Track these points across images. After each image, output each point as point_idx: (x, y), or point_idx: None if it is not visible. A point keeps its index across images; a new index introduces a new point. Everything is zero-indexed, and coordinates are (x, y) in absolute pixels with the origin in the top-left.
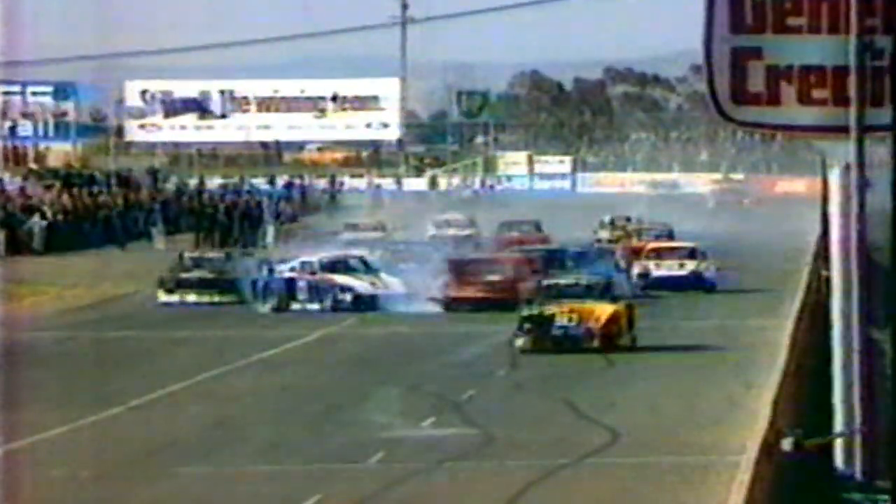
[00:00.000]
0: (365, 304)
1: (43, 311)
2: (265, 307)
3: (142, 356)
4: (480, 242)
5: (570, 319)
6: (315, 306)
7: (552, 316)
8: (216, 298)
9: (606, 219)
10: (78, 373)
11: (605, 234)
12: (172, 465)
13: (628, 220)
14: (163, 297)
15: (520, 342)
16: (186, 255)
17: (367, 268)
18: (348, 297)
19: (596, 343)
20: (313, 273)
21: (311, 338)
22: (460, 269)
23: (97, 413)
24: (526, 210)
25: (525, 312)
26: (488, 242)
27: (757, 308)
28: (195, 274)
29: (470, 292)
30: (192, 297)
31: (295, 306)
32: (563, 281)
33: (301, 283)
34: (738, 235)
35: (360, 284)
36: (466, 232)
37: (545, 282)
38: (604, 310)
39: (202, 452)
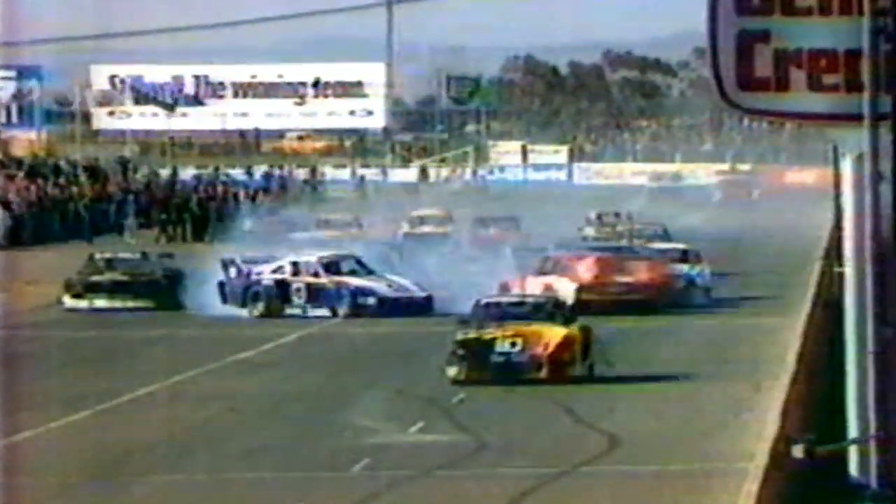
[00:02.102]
0: (391, 308)
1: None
2: (253, 312)
3: (112, 356)
4: (460, 241)
5: (512, 345)
6: (320, 311)
7: (492, 341)
8: (130, 303)
9: (593, 214)
10: (44, 374)
11: (591, 232)
12: (144, 472)
13: (617, 215)
14: (69, 301)
15: (452, 371)
16: (97, 255)
17: (364, 268)
18: (370, 300)
19: (544, 373)
20: (315, 275)
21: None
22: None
23: (65, 416)
24: (518, 203)
25: (459, 336)
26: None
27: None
28: (107, 276)
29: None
30: (102, 302)
31: (291, 311)
32: (505, 298)
33: (297, 286)
34: (745, 232)
35: (379, 287)
36: (444, 229)
37: (484, 300)
38: (554, 333)
39: (175, 458)
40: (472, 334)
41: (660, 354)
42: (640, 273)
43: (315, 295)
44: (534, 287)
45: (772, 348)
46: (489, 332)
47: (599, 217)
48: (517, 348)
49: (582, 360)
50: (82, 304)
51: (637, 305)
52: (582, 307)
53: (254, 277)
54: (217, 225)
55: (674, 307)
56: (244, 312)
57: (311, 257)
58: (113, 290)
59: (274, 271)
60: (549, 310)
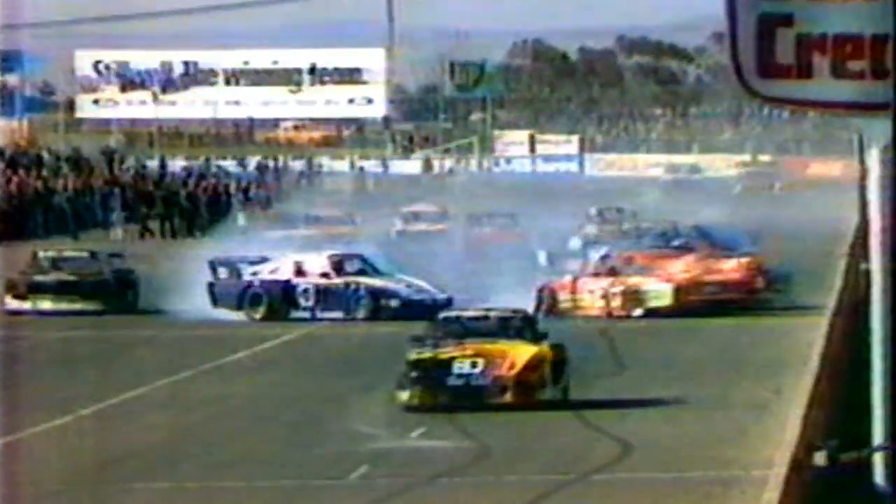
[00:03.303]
0: (414, 311)
1: None
2: (253, 315)
3: (95, 358)
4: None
5: (473, 365)
6: (331, 314)
7: (449, 361)
8: (77, 305)
9: (593, 211)
10: (23, 377)
11: (592, 231)
12: (128, 480)
13: (619, 211)
14: (12, 303)
15: (404, 396)
16: (41, 254)
17: (371, 267)
18: (393, 303)
19: (508, 397)
20: (325, 275)
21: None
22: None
23: (46, 422)
24: (526, 196)
25: (412, 356)
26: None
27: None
28: (52, 276)
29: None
30: (47, 304)
31: (297, 314)
32: (466, 313)
33: (304, 287)
34: (768, 228)
35: (400, 288)
36: (438, 227)
37: (442, 314)
38: (521, 352)
39: (162, 465)
40: (426, 353)
41: None
42: (732, 271)
43: (325, 296)
44: (595, 289)
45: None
46: (446, 351)
47: (600, 213)
48: (478, 369)
49: (554, 383)
50: (26, 305)
51: (730, 306)
52: (673, 310)
53: (248, 278)
54: (207, 220)
55: (760, 308)
56: (239, 315)
57: (318, 256)
58: (59, 291)
59: (274, 271)
60: (517, 325)
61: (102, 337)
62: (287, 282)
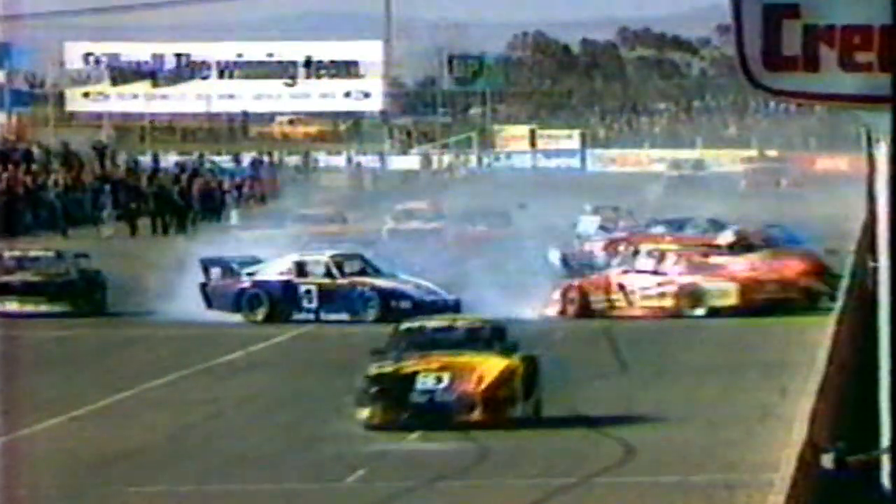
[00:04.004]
0: (425, 312)
1: None
2: (252, 317)
3: (87, 357)
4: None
5: (438, 380)
6: (336, 315)
7: (412, 375)
8: (43, 307)
9: (589, 209)
10: (12, 377)
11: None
12: (121, 483)
13: (615, 209)
14: None
15: (364, 413)
16: (7, 254)
17: (371, 267)
18: (404, 304)
19: (476, 415)
20: (329, 275)
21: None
22: None
23: (38, 423)
24: (527, 192)
25: (373, 370)
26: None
27: None
28: (18, 277)
29: None
30: (13, 306)
31: (300, 316)
32: (431, 323)
33: (307, 288)
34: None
35: (409, 289)
36: (432, 225)
37: (405, 324)
38: (489, 366)
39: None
40: (388, 367)
41: None
42: (791, 269)
43: (329, 297)
44: (636, 288)
45: None
46: (409, 365)
47: (596, 211)
48: (443, 384)
49: (525, 398)
50: None
51: (789, 305)
52: (737, 309)
53: (245, 279)
54: (200, 217)
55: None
56: (235, 317)
57: (321, 256)
58: (24, 291)
59: (274, 272)
60: (486, 336)
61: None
62: (288, 282)
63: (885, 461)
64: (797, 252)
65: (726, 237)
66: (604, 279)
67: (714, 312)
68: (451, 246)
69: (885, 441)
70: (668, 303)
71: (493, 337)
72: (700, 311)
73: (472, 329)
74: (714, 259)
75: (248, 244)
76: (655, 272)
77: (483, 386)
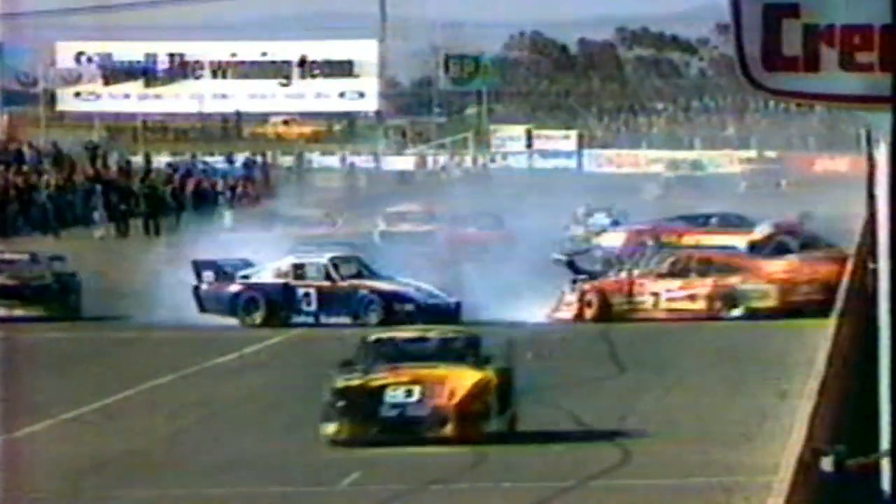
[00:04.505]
0: (427, 316)
1: None
2: (248, 320)
3: (79, 360)
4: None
5: (408, 394)
6: (336, 318)
7: (381, 389)
8: (18, 311)
9: (580, 211)
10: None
11: (579, 232)
12: (111, 487)
13: (608, 212)
14: None
15: (330, 429)
16: None
17: (367, 269)
18: (408, 307)
19: (449, 430)
20: (329, 278)
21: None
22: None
23: (26, 426)
24: (523, 193)
25: (340, 383)
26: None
27: None
28: None
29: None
30: None
31: (298, 319)
32: (402, 333)
33: (305, 290)
34: None
35: (409, 291)
36: (424, 228)
37: (374, 335)
38: (463, 378)
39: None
40: (356, 380)
41: None
42: (831, 271)
43: (329, 300)
44: (660, 290)
45: None
46: (378, 378)
47: (588, 213)
48: (414, 398)
49: (500, 412)
50: None
51: (826, 307)
52: (775, 311)
53: (240, 282)
54: (193, 218)
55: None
56: (230, 321)
57: (319, 258)
58: None
59: (270, 274)
60: (459, 348)
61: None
62: (286, 285)
63: (886, 464)
64: (833, 252)
65: (763, 230)
66: (626, 282)
67: (752, 314)
68: (443, 249)
69: (885, 444)
70: (701, 305)
71: (466, 349)
72: (737, 313)
73: (444, 340)
74: (748, 260)
75: (237, 246)
76: (686, 272)
77: (456, 400)
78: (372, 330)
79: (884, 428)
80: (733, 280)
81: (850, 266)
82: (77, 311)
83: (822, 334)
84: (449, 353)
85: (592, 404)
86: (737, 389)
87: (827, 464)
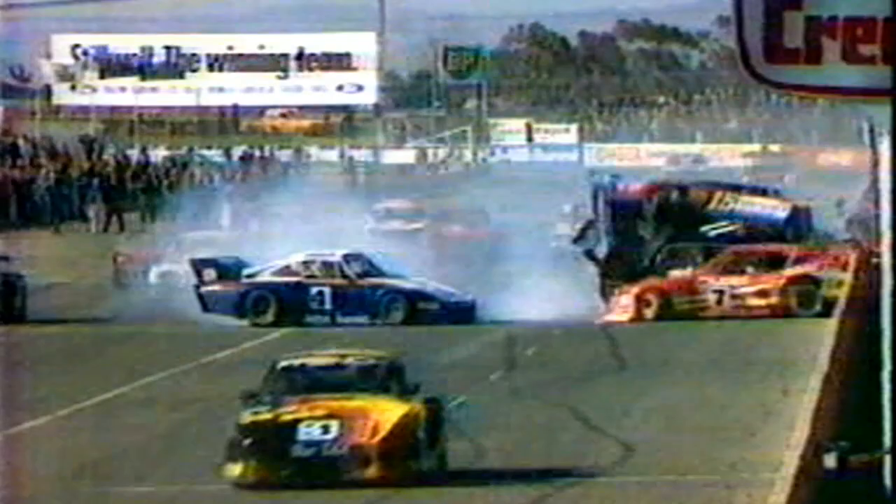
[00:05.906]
0: (449, 315)
1: None
2: (258, 321)
3: (76, 356)
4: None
5: (325, 430)
6: (354, 318)
7: (294, 424)
8: None
9: (567, 208)
10: None
11: (566, 230)
12: (105, 484)
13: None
14: None
15: (235, 470)
16: None
17: (375, 268)
18: (432, 306)
19: (372, 471)
20: (343, 275)
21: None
22: None
23: (20, 423)
24: (523, 188)
25: (246, 418)
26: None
27: None
28: None
29: None
30: None
31: (313, 319)
32: (315, 360)
33: (319, 289)
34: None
35: (434, 290)
36: (414, 225)
37: (283, 362)
38: (386, 411)
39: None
40: (264, 415)
41: None
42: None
43: (346, 299)
44: (728, 284)
45: None
46: (289, 412)
47: (576, 210)
48: (331, 435)
49: (429, 448)
50: None
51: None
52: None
53: (246, 281)
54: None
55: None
56: (237, 321)
57: (332, 255)
58: None
59: (280, 272)
60: (381, 376)
61: None
62: (298, 283)
63: (888, 461)
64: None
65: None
66: (688, 280)
67: (829, 307)
68: (431, 246)
69: (888, 441)
70: (774, 300)
71: (389, 376)
72: (816, 309)
73: (363, 368)
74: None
75: (232, 244)
76: (756, 266)
77: (379, 436)
78: (283, 356)
79: (886, 425)
80: (809, 268)
81: (853, 261)
82: (22, 314)
83: (826, 330)
84: (370, 381)
85: (593, 400)
86: (739, 386)
87: (830, 460)
